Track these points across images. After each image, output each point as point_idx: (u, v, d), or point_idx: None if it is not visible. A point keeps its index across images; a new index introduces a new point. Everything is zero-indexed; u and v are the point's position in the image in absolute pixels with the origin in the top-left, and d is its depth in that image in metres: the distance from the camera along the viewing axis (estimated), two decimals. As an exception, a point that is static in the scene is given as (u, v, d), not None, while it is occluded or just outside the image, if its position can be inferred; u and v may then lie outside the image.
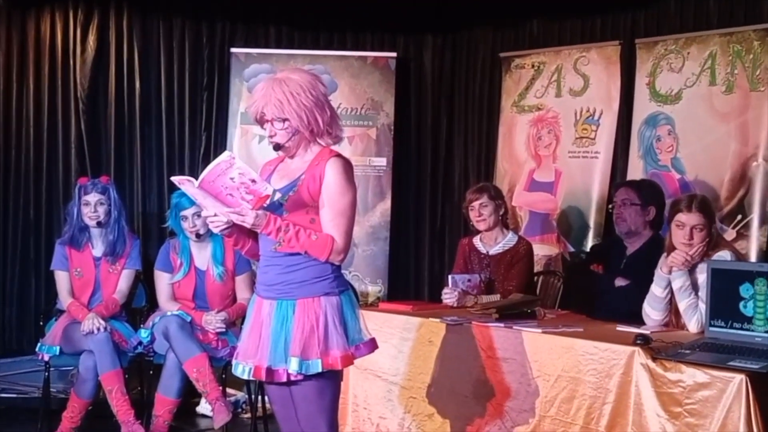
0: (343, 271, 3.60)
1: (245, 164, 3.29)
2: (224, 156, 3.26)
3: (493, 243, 5.40)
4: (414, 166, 7.26)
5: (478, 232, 5.47)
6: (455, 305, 4.99)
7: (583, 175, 6.31)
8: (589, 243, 6.13)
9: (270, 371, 3.44)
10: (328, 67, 6.81)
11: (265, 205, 3.40)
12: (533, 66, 6.68)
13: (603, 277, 4.90)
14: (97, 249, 5.59)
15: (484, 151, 7.06)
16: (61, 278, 5.56)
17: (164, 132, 6.81)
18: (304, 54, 6.92)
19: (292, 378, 3.41)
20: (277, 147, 3.52)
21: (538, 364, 4.12)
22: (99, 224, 5.53)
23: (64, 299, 5.52)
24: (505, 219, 5.46)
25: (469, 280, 5.21)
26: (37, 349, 5.49)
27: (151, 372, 5.50)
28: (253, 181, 3.30)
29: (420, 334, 4.61)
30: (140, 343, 5.39)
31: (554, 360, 4.06)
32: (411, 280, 7.26)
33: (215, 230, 3.47)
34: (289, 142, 3.48)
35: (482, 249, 5.42)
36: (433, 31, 7.24)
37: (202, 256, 5.56)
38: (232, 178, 3.27)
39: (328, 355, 3.41)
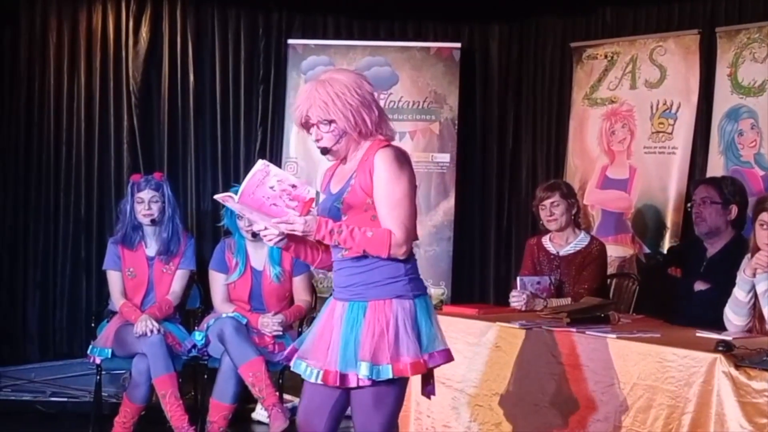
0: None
1: (281, 170, 3.32)
2: (258, 165, 3.28)
3: (563, 243, 5.38)
4: (479, 162, 7.24)
5: (547, 231, 5.46)
6: (524, 309, 4.99)
7: (660, 171, 6.25)
8: (666, 244, 6.07)
9: (342, 376, 3.40)
10: (389, 59, 6.83)
11: (312, 209, 3.41)
12: (606, 56, 6.63)
13: (681, 281, 4.87)
14: (151, 248, 5.66)
15: (554, 146, 7.03)
16: (114, 278, 5.64)
17: (219, 127, 6.89)
18: (364, 45, 6.94)
19: (360, 383, 3.39)
20: (325, 151, 3.51)
21: (612, 371, 4.10)
22: (153, 222, 5.61)
23: (117, 300, 5.60)
24: (577, 218, 5.44)
25: (538, 283, 5.19)
26: (88, 352, 5.58)
27: (205, 376, 5.57)
28: (294, 186, 3.31)
29: (487, 338, 4.62)
30: (194, 346, 5.46)
31: (630, 367, 4.05)
32: (476, 283, 7.26)
33: (269, 244, 3.48)
34: (337, 145, 3.48)
35: (552, 249, 5.40)
36: (499, 20, 7.22)
37: (259, 255, 5.62)
38: (272, 187, 3.28)
39: (399, 361, 3.38)
